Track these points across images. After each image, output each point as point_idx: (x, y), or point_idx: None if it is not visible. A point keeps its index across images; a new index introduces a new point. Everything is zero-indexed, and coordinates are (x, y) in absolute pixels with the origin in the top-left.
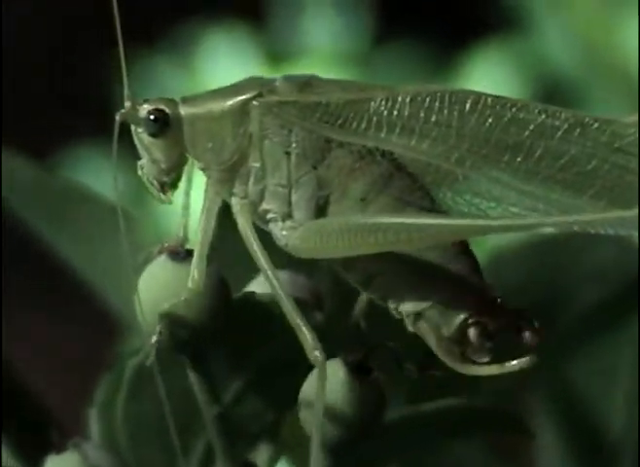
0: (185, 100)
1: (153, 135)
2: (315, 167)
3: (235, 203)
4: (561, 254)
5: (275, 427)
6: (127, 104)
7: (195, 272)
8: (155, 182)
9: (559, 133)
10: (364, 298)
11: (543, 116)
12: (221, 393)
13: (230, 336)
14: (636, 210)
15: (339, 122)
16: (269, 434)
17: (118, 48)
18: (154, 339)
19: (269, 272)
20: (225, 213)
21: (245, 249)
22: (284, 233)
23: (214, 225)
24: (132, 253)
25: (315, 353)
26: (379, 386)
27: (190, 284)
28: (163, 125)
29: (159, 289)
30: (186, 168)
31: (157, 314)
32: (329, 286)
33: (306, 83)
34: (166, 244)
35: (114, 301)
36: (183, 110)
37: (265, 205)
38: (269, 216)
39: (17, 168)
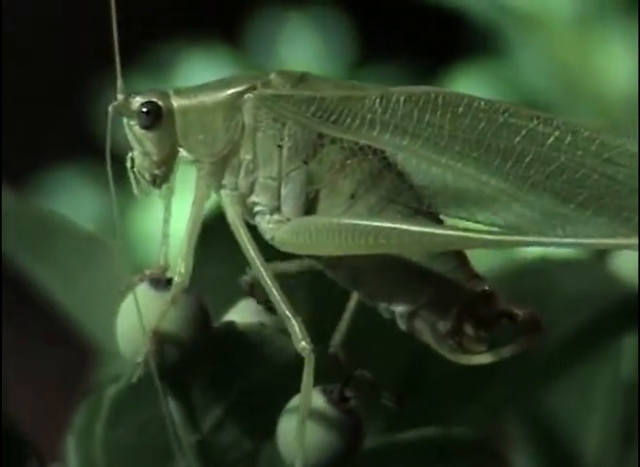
0: (177, 92)
1: (145, 128)
2: (306, 162)
3: (225, 195)
4: (540, 279)
5: (253, 455)
6: (120, 96)
7: (182, 267)
8: (146, 175)
9: (550, 140)
10: (342, 327)
11: (534, 122)
12: (200, 421)
13: (209, 364)
14: (636, 239)
15: (333, 118)
16: (247, 462)
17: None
18: (140, 358)
19: (259, 263)
20: (204, 239)
21: (224, 276)
22: (270, 226)
23: (202, 218)
24: (110, 280)
25: (303, 344)
26: (357, 415)
27: (177, 278)
28: (156, 117)
29: (138, 317)
30: (167, 190)
31: (137, 341)
32: (309, 315)
33: (301, 78)
34: (147, 272)
35: (93, 329)
36: (175, 102)
37: (253, 198)
38: (257, 209)
39: None
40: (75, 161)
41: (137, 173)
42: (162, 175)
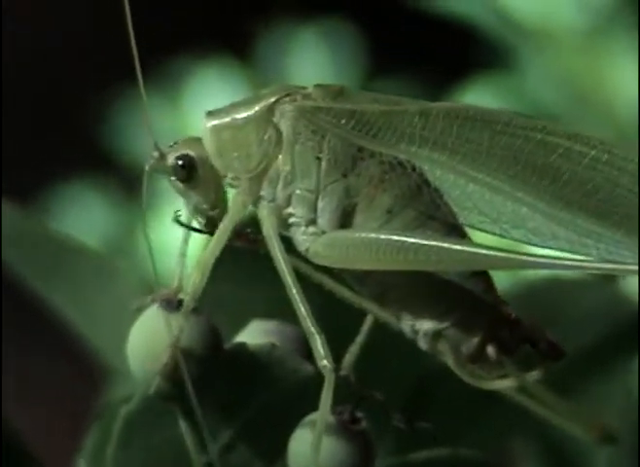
0: (211, 113)
1: (184, 181)
2: (345, 175)
3: (262, 207)
4: (551, 298)
5: None
6: (155, 154)
7: (197, 277)
8: (203, 220)
9: (586, 160)
10: (355, 350)
11: (571, 141)
12: (210, 442)
13: (220, 385)
14: (636, 267)
15: (373, 131)
16: None
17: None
18: (159, 369)
19: (289, 278)
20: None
21: (235, 296)
22: (305, 238)
23: (230, 234)
24: (121, 301)
25: (324, 362)
26: (368, 436)
27: (190, 288)
28: (191, 168)
29: (151, 337)
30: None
31: (149, 362)
32: None
33: (340, 91)
34: (160, 293)
35: (104, 349)
36: (209, 122)
37: (290, 209)
38: (292, 220)
39: (5, 217)
40: (83, 175)
41: (196, 220)
42: (219, 215)
